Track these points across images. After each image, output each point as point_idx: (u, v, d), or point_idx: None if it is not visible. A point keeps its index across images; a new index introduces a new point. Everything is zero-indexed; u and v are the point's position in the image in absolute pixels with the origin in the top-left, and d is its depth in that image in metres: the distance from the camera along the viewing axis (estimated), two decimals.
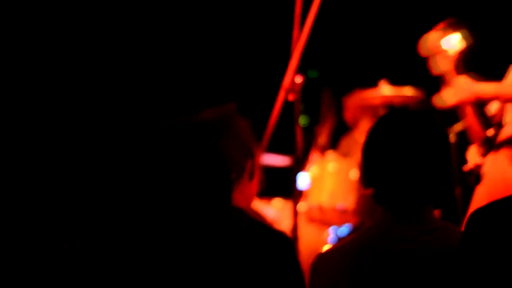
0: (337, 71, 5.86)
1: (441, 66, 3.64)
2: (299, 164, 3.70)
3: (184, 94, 6.34)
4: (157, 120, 2.15)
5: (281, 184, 4.31)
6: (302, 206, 4.79)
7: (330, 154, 4.98)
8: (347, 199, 4.69)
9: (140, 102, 6.10)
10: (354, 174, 4.78)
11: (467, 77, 3.61)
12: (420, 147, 2.34)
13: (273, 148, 5.17)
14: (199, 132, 2.08)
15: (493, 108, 3.74)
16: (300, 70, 3.67)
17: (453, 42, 3.69)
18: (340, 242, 2.45)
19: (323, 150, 5.12)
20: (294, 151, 3.65)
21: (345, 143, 6.22)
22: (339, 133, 6.24)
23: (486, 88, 3.57)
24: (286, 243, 2.20)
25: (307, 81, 3.93)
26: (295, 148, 3.65)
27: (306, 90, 3.82)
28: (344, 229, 4.79)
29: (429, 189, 2.36)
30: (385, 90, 4.99)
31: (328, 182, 4.80)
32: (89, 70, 5.78)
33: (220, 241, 2.07)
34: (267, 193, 3.34)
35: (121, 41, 5.88)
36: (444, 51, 3.65)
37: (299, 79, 3.63)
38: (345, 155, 6.11)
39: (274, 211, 5.22)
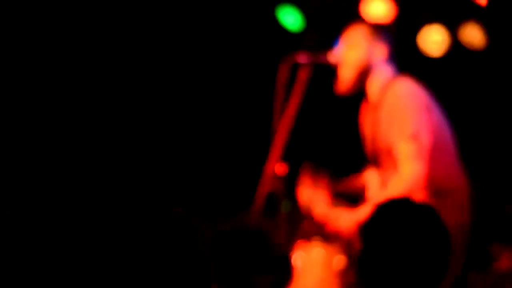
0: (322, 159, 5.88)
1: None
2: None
3: (165, 187, 6.31)
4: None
5: None
6: None
7: (315, 242, 4.94)
8: None
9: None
10: (339, 262, 4.73)
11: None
12: (420, 249, 2.28)
13: None
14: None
15: None
16: (285, 157, 3.70)
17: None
18: None
19: (308, 236, 5.08)
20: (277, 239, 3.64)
21: None
22: None
23: (364, 212, 3.79)
24: None
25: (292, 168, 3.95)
26: (278, 236, 3.65)
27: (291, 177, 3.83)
28: None
29: None
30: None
31: (313, 271, 4.75)
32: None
33: None
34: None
35: None
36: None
37: (281, 168, 3.65)
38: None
39: None
